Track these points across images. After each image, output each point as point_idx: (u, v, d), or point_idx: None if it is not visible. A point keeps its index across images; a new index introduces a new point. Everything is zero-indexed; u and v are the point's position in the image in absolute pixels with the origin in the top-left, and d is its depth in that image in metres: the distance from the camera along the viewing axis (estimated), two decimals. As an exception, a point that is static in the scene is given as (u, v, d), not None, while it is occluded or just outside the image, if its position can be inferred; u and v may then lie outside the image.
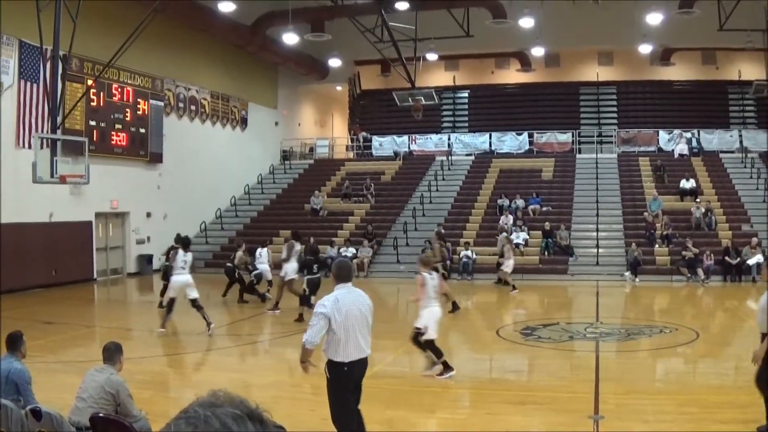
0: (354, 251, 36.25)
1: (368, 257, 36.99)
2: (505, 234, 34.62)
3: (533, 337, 19.95)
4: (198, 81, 43.92)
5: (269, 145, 52.04)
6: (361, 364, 9.99)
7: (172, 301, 21.43)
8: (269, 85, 52.19)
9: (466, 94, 57.05)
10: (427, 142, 51.02)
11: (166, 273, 24.26)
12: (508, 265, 30.89)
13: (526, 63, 52.95)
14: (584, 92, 53.55)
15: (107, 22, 32.78)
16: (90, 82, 32.89)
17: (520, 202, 40.30)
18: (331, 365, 9.82)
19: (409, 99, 41.62)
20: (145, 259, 38.16)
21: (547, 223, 36.78)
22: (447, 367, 15.24)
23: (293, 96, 55.91)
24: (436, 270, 18.48)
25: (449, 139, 51.29)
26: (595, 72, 52.86)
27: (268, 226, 41.91)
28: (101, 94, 35.31)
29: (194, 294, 21.20)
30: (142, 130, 38.51)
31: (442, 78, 55.63)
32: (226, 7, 35.67)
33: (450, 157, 48.64)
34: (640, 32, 42.17)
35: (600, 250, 36.14)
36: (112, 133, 36.35)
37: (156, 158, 39.70)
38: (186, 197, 41.76)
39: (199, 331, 21.16)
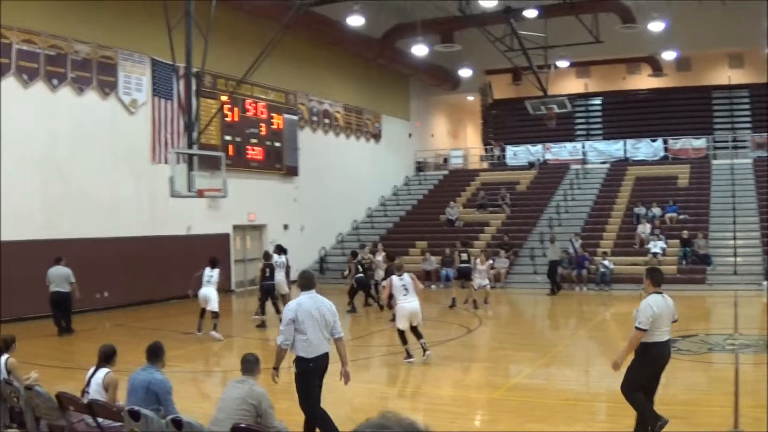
0: (491, 261, 36.00)
1: (505, 268, 36.66)
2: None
3: (673, 348, 19.63)
4: (331, 95, 44.33)
5: (403, 156, 52.26)
6: (323, 359, 11.22)
7: (203, 311, 23.29)
8: (401, 97, 52.40)
9: (599, 101, 56.44)
10: (562, 151, 50.51)
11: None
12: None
13: (657, 68, 52.30)
14: (717, 96, 52.48)
15: (238, 39, 33.44)
16: (224, 97, 33.50)
17: (657, 210, 39.34)
18: (299, 361, 11.11)
19: (542, 107, 41.44)
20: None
21: (684, 232, 35.73)
22: (408, 354, 17.98)
23: (425, 107, 56.04)
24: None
25: (583, 147, 50.62)
26: (726, 75, 51.86)
27: (404, 236, 42.12)
28: (235, 109, 35.98)
29: (214, 307, 22.97)
30: (277, 144, 39.08)
31: (573, 85, 55.28)
32: (356, 21, 35.93)
33: (585, 166, 48.17)
34: (768, 32, 41.01)
35: (738, 259, 34.86)
36: (248, 147, 37.01)
37: (292, 171, 40.24)
38: (322, 209, 42.23)
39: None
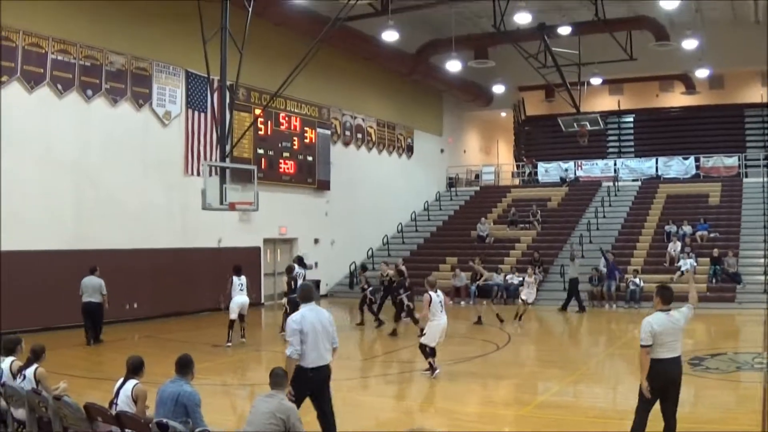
0: (520, 279, 35.77)
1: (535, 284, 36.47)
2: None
3: (701, 367, 19.45)
4: (364, 109, 44.41)
5: (435, 172, 52.29)
6: (323, 370, 11.55)
7: (232, 322, 23.67)
8: (434, 113, 52.42)
9: (632, 119, 56.42)
10: (593, 168, 50.37)
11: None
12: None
13: (690, 85, 52.18)
14: (749, 114, 52.34)
15: (272, 53, 33.58)
16: (257, 111, 33.62)
17: (688, 229, 39.12)
18: (299, 369, 11.29)
19: (575, 124, 41.30)
20: (313, 285, 38.39)
21: (715, 250, 35.53)
22: (432, 368, 17.96)
23: (458, 123, 56.08)
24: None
25: (615, 164, 50.45)
26: (759, 93, 51.55)
27: (435, 252, 42.10)
28: (269, 122, 36.12)
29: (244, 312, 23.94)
30: (310, 158, 39.17)
31: (606, 102, 55.17)
32: (390, 36, 35.88)
33: (616, 183, 47.99)
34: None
35: None
36: (280, 161, 37.11)
37: (323, 185, 40.29)
38: (353, 224, 42.28)
39: (362, 357, 21.41)
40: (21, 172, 25.87)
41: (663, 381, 10.85)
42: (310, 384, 11.43)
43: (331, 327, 11.69)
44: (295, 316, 11.63)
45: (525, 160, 54.47)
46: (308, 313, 11.59)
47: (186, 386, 10.05)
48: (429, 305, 17.76)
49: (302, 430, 9.46)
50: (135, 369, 10.76)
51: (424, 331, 18.05)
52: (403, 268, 29.30)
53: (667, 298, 11.09)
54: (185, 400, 9.86)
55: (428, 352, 17.93)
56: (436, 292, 18.08)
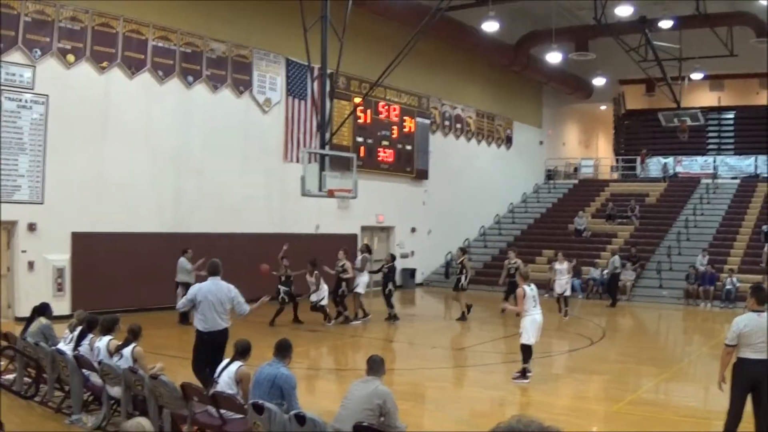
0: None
1: (631, 281, 36.00)
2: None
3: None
4: (463, 99, 44.27)
5: (533, 164, 51.94)
6: (217, 334, 13.48)
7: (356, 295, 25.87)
8: (534, 104, 52.09)
9: (732, 115, 55.22)
10: (693, 164, 49.67)
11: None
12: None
13: (790, 83, 51.11)
14: None
15: (372, 42, 33.59)
16: (357, 99, 33.72)
17: (785, 229, 38.28)
18: (196, 332, 13.67)
19: (675, 119, 40.77)
20: (408, 273, 38.64)
21: (813, 251, 34.76)
22: (525, 374, 16.70)
23: (557, 115, 55.64)
24: None
25: (714, 161, 49.75)
26: None
27: (532, 244, 41.68)
28: (368, 111, 36.20)
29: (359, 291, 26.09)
30: (408, 147, 39.18)
31: (706, 98, 54.13)
32: (490, 27, 35.70)
33: (715, 180, 47.17)
34: None
35: None
36: (379, 149, 37.19)
37: (422, 175, 40.30)
38: (450, 214, 42.16)
39: (461, 347, 21.39)
40: (124, 155, 26.42)
41: (748, 381, 10.73)
42: (205, 343, 13.46)
43: (228, 301, 13.57)
44: (194, 287, 14.16)
45: (641, 156, 53.47)
46: (206, 285, 13.73)
47: (283, 369, 10.15)
48: (523, 299, 16.76)
49: (397, 416, 9.49)
50: (243, 352, 11.03)
51: (520, 330, 16.99)
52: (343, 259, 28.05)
53: (762, 299, 10.93)
54: (282, 382, 9.96)
55: (527, 354, 16.69)
56: (530, 285, 17.04)
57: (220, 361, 11.89)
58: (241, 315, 13.84)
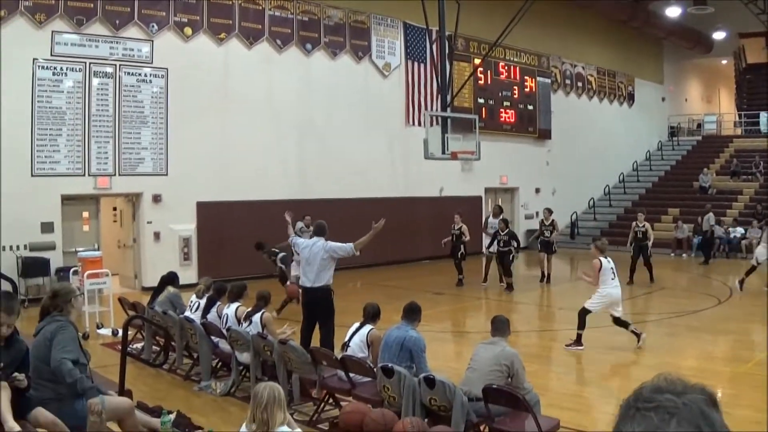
0: (742, 231, 34.61)
1: (757, 239, 35.07)
2: None
3: None
4: (583, 57, 43.66)
5: (656, 121, 51.00)
6: (310, 291, 13.87)
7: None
8: (654, 60, 51.07)
9: None
10: (819, 118, 48.29)
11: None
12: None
13: None
14: None
15: (490, 2, 33.19)
16: (477, 61, 33.54)
17: None
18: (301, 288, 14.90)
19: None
20: (533, 234, 38.32)
21: None
22: (578, 341, 16.05)
23: (678, 71, 54.50)
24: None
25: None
26: None
27: (656, 203, 41.02)
28: (488, 72, 35.93)
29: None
30: (530, 107, 38.89)
31: (830, 50, 52.67)
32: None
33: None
34: None
35: None
36: (501, 110, 36.97)
37: (544, 134, 39.97)
38: (574, 173, 41.69)
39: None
40: (246, 124, 26.75)
41: None
42: (308, 303, 14.04)
43: (324, 251, 13.83)
44: (304, 243, 14.65)
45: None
46: (306, 241, 14.69)
47: (412, 332, 10.17)
48: (599, 271, 16.12)
49: (524, 377, 9.43)
50: (373, 315, 11.19)
51: (592, 296, 16.35)
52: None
53: None
54: (411, 345, 9.97)
55: (582, 321, 16.12)
56: (606, 258, 16.38)
57: (323, 317, 13.45)
58: (351, 254, 14.23)
